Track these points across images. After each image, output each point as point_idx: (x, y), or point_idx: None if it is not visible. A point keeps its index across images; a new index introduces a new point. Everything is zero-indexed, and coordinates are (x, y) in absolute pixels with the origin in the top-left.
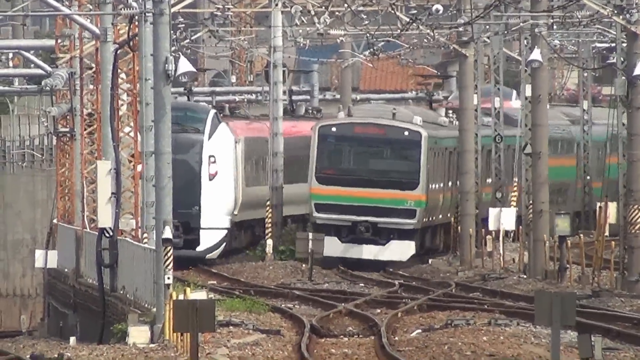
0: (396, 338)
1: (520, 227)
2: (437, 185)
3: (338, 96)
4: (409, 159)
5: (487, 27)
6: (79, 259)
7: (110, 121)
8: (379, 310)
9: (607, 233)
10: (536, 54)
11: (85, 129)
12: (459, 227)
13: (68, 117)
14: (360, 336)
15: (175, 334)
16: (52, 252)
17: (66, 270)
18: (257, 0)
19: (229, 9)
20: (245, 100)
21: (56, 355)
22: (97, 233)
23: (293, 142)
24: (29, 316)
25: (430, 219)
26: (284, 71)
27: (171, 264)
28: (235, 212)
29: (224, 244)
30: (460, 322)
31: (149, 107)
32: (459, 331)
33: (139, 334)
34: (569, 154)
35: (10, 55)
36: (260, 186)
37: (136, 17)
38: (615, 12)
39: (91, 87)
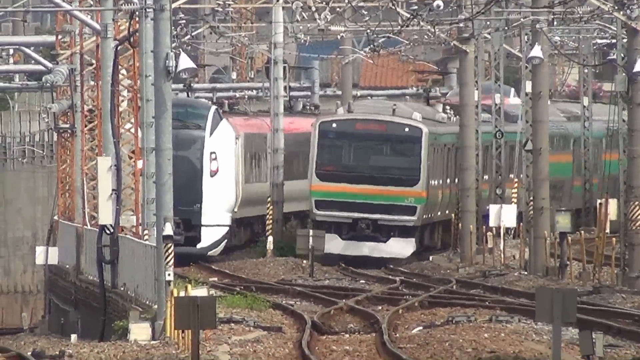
0: (397, 335)
1: (521, 223)
2: (437, 182)
3: (339, 92)
4: (409, 155)
5: (488, 23)
6: (80, 256)
7: (111, 117)
8: (380, 307)
9: (607, 230)
10: (537, 51)
11: (85, 126)
12: (460, 224)
13: (68, 113)
14: (362, 333)
15: (176, 331)
16: (52, 248)
17: (67, 267)
18: None
19: (229, 5)
20: (246, 96)
21: (57, 352)
22: (97, 230)
23: (290, 139)
24: (30, 313)
25: (430, 215)
26: (284, 67)
27: (172, 261)
28: (235, 209)
29: (225, 241)
30: (461, 319)
31: (149, 104)
32: (460, 328)
33: (140, 331)
34: (564, 151)
35: (11, 51)
36: (258, 183)
37: (137, 13)
38: (616, 8)
39: (92, 83)
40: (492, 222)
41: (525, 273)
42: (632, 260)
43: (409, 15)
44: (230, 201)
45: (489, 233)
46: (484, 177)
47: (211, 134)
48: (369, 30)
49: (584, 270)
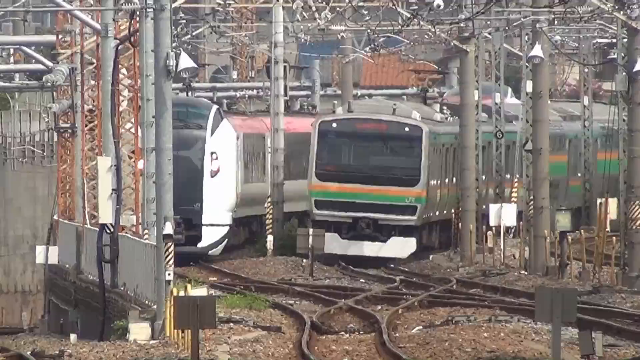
0: (397, 334)
1: (521, 223)
2: (436, 182)
3: (339, 92)
4: (409, 155)
5: (488, 22)
6: (80, 255)
7: (111, 117)
8: (379, 307)
9: (608, 229)
10: (537, 50)
11: (86, 125)
12: (460, 223)
13: (69, 113)
14: (361, 333)
15: (175, 330)
16: (52, 248)
17: (67, 266)
18: None
19: (230, 4)
20: (247, 96)
21: (57, 352)
22: (97, 229)
23: (288, 139)
24: (30, 313)
25: (430, 215)
26: (284, 67)
27: (172, 261)
28: (235, 209)
29: (226, 240)
30: (461, 319)
31: (149, 103)
32: (460, 327)
33: (139, 331)
34: (560, 151)
35: (11, 50)
36: (257, 183)
37: (137, 13)
38: (616, 7)
39: (92, 82)
40: (492, 222)
41: (525, 272)
42: (632, 259)
43: (409, 15)
44: (231, 201)
45: (489, 232)
46: (482, 177)
47: (212, 133)
48: (369, 30)
49: (583, 270)
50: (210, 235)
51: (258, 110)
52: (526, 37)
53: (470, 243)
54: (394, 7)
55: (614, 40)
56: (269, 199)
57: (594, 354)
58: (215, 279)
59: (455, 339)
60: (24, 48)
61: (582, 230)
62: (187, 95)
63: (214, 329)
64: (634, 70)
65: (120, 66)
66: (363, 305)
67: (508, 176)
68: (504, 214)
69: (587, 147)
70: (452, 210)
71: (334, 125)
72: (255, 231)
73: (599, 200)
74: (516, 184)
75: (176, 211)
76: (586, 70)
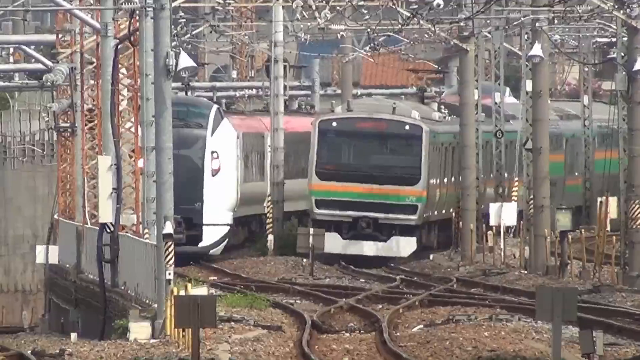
0: (397, 333)
1: (522, 222)
2: (436, 181)
3: (339, 91)
4: (410, 154)
5: (488, 21)
6: (80, 255)
7: (111, 116)
8: (380, 306)
9: (608, 228)
10: (537, 49)
11: (86, 125)
12: (460, 223)
13: (69, 112)
14: (362, 332)
15: (176, 329)
16: (53, 247)
17: (67, 265)
18: None
19: (229, 3)
20: (247, 95)
21: (57, 351)
22: (98, 228)
23: (287, 138)
24: (30, 312)
25: (430, 214)
26: (284, 66)
27: (172, 260)
28: (235, 208)
29: (227, 239)
30: (461, 318)
31: (149, 102)
32: (460, 326)
33: (140, 330)
34: (557, 150)
35: (11, 50)
36: (255, 182)
37: (137, 12)
38: (616, 6)
39: (92, 82)
40: (492, 221)
41: (526, 272)
42: (633, 258)
43: (409, 14)
44: (232, 200)
45: (489, 232)
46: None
47: (213, 133)
48: (369, 29)
49: (584, 269)
50: (211, 235)
51: (256, 109)
52: (526, 36)
53: (471, 242)
54: (393, 6)
55: (614, 40)
56: (269, 198)
57: (595, 353)
58: (215, 278)
59: (456, 338)
60: (24, 47)
61: (583, 230)
62: (186, 94)
63: (215, 328)
64: (634, 69)
65: (120, 65)
66: (364, 305)
67: (506, 175)
68: (504, 213)
69: (588, 146)
70: (451, 210)
71: (334, 124)
72: (254, 231)
73: (599, 200)
74: (516, 183)
75: (177, 210)
76: (586, 69)
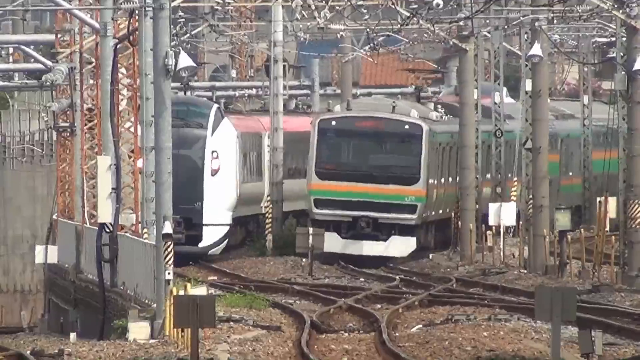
0: (397, 333)
1: (520, 222)
2: (434, 181)
3: (339, 91)
4: (409, 153)
5: (487, 21)
6: (79, 255)
7: (111, 116)
8: (379, 306)
9: (607, 228)
10: (536, 49)
11: (85, 124)
12: (459, 222)
13: (68, 112)
14: (361, 332)
15: (175, 329)
16: (52, 247)
17: (66, 265)
18: None
19: (229, 3)
20: (246, 95)
21: (56, 351)
22: (97, 228)
23: (284, 138)
24: (30, 312)
25: (430, 214)
26: (284, 66)
27: (171, 260)
28: (235, 208)
29: (227, 239)
30: (460, 318)
31: (149, 102)
32: (460, 326)
33: (139, 330)
34: (552, 150)
35: (10, 50)
36: (253, 182)
37: (136, 12)
38: (615, 6)
39: (91, 82)
40: (491, 221)
41: (525, 271)
42: (632, 258)
43: (408, 14)
44: (231, 200)
45: (488, 231)
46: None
47: (213, 132)
48: (368, 29)
49: (583, 269)
50: (210, 235)
51: (253, 109)
52: (525, 36)
53: (470, 242)
54: (393, 6)
55: (613, 39)
56: (269, 198)
57: (594, 353)
58: (214, 278)
59: (455, 338)
60: (23, 47)
61: (582, 229)
62: (185, 94)
63: (214, 328)
64: (633, 69)
65: (119, 65)
66: (363, 305)
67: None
68: (504, 213)
69: (587, 146)
70: (449, 210)
71: (334, 123)
72: (252, 231)
73: (598, 199)
74: (515, 183)
75: (176, 210)
76: (585, 69)
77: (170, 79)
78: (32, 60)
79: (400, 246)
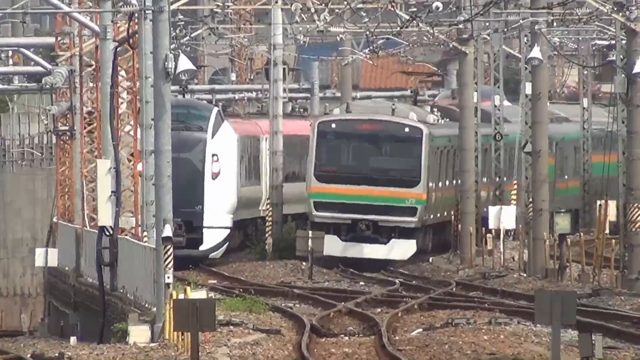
0: (397, 337)
1: (520, 225)
2: (434, 184)
3: (338, 94)
4: (409, 156)
5: (487, 24)
6: (79, 258)
7: (110, 119)
8: (379, 310)
9: (607, 231)
10: (536, 52)
11: (85, 128)
12: (459, 226)
13: (68, 115)
14: (361, 335)
15: (175, 333)
16: (52, 250)
17: (66, 269)
18: None
19: (228, 6)
20: (246, 98)
21: (56, 355)
22: (97, 232)
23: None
24: (29, 315)
25: (429, 217)
26: (284, 69)
27: (171, 263)
28: (235, 212)
29: (227, 243)
30: (460, 321)
31: (148, 105)
32: (460, 330)
33: (139, 333)
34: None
35: (10, 53)
36: (251, 186)
37: (136, 15)
38: (615, 9)
39: (91, 85)
40: (491, 224)
41: (525, 275)
42: (632, 262)
43: (408, 17)
44: (232, 203)
45: (488, 235)
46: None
47: (213, 135)
48: (368, 32)
49: (583, 272)
50: (211, 238)
51: (250, 112)
52: (525, 38)
53: (470, 245)
54: (392, 9)
55: (613, 42)
56: (268, 201)
57: (594, 356)
58: (214, 281)
59: (455, 342)
60: (23, 50)
61: (582, 233)
62: (184, 97)
63: (214, 331)
64: (633, 72)
65: (119, 68)
66: (363, 308)
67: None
68: (503, 216)
69: (587, 149)
70: (446, 213)
71: (333, 125)
72: (250, 234)
73: (598, 202)
74: (514, 186)
75: (177, 213)
76: (585, 72)
77: (170, 82)
78: (32, 63)
79: (401, 249)
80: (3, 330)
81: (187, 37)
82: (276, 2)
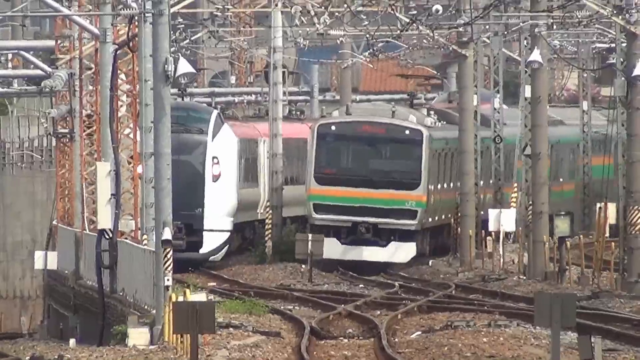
0: (396, 340)
1: (520, 228)
2: (433, 186)
3: (338, 97)
4: (410, 158)
5: (487, 27)
6: (79, 261)
7: (110, 122)
8: (378, 312)
9: (607, 234)
10: (536, 55)
11: (84, 130)
12: (459, 228)
13: (67, 118)
14: (360, 338)
15: (174, 335)
16: (51, 253)
17: (66, 271)
18: (257, 1)
19: (228, 9)
20: (245, 101)
21: (56, 357)
22: (96, 234)
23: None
24: (29, 318)
25: (429, 219)
26: (283, 72)
27: (171, 266)
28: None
29: (227, 246)
30: (460, 324)
31: (148, 108)
32: (459, 332)
33: (138, 336)
34: None
35: (10, 56)
36: (249, 189)
37: (135, 18)
38: (615, 12)
39: (91, 88)
40: (491, 227)
41: (524, 277)
42: (631, 264)
43: (408, 20)
44: (232, 206)
45: (488, 237)
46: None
47: (213, 138)
48: (368, 35)
49: (583, 275)
50: (211, 241)
51: (248, 115)
52: (525, 41)
53: (470, 248)
54: (392, 12)
55: (613, 45)
56: (268, 204)
57: (593, 359)
58: (214, 284)
59: (455, 344)
60: (23, 53)
61: (581, 236)
62: (183, 99)
63: (213, 334)
64: (633, 75)
65: (118, 71)
66: (362, 311)
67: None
68: (503, 219)
69: (587, 152)
70: (444, 217)
71: (333, 128)
72: (248, 237)
73: (598, 205)
74: (514, 189)
75: (177, 216)
76: (585, 75)
77: (170, 85)
78: (32, 66)
79: (401, 252)
80: (2, 332)
81: (187, 40)
82: (276, 5)
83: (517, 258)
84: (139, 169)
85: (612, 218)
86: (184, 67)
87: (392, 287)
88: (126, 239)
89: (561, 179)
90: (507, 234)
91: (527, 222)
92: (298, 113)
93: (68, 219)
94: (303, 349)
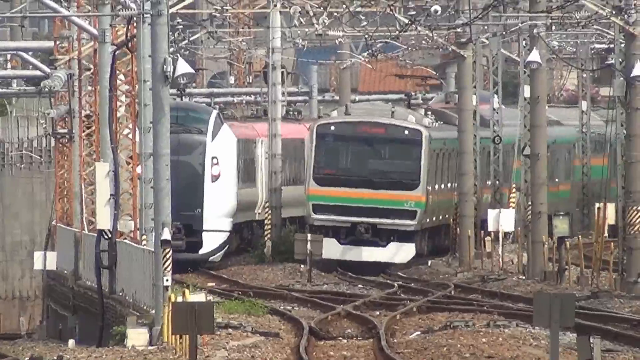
0: (395, 340)
1: (519, 228)
2: (432, 187)
3: (337, 97)
4: (409, 159)
5: (486, 27)
6: (78, 261)
7: (109, 123)
8: (377, 312)
9: (606, 234)
10: (535, 55)
11: (83, 131)
12: (458, 229)
13: (66, 118)
14: (359, 338)
15: (173, 336)
16: (51, 253)
17: (65, 272)
18: (256, 1)
19: (227, 10)
20: (244, 101)
21: (55, 358)
22: (95, 235)
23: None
24: (28, 318)
25: (429, 220)
26: (282, 72)
27: (170, 266)
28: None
29: (227, 246)
30: (459, 324)
31: (147, 109)
32: (458, 333)
33: (137, 336)
34: None
35: (9, 56)
36: (247, 189)
37: (134, 18)
38: (614, 12)
39: (89, 88)
40: (490, 227)
41: (524, 278)
42: (630, 264)
43: (406, 21)
44: (231, 206)
45: (487, 238)
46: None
47: (213, 138)
48: (367, 36)
49: (582, 275)
50: (211, 242)
51: (245, 115)
52: (524, 42)
53: (469, 248)
54: (391, 12)
55: (612, 46)
56: (267, 204)
57: (592, 359)
58: (213, 284)
59: (454, 345)
60: (22, 54)
61: (580, 236)
62: (182, 100)
63: (212, 334)
64: (632, 75)
65: (117, 72)
66: (361, 311)
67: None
68: (502, 219)
69: (586, 153)
70: (442, 217)
71: (332, 128)
72: (246, 237)
73: (597, 205)
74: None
75: (177, 217)
76: (584, 75)
77: (169, 86)
78: (31, 67)
79: (400, 252)
80: (1, 333)
81: (186, 41)
82: (275, 6)
83: (516, 258)
84: (138, 170)
85: (611, 218)
86: (183, 67)
87: (391, 287)
88: (125, 239)
89: (557, 180)
90: (506, 234)
91: (526, 222)
92: (295, 113)
93: (67, 219)
94: (302, 349)
